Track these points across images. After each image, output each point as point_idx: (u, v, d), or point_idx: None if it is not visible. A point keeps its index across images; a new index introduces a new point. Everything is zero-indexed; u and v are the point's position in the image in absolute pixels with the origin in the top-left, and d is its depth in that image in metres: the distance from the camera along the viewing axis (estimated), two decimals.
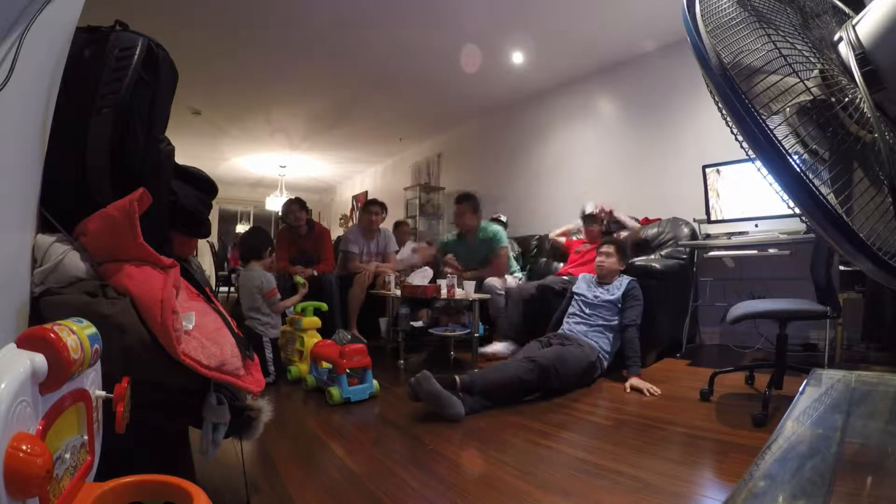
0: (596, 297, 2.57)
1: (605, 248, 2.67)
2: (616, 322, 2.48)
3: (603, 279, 2.64)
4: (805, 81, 0.57)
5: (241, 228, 9.84)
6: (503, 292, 3.17)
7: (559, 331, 2.57)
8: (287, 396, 2.20)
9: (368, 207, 3.82)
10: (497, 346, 2.97)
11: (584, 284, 2.69)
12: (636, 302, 2.50)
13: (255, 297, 2.43)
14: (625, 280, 2.60)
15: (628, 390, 2.21)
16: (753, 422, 1.64)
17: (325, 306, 2.68)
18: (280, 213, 4.16)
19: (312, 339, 2.39)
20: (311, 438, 1.65)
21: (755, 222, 2.94)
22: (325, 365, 2.22)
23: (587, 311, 2.55)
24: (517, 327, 3.03)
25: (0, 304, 0.81)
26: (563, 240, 3.81)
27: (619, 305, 2.51)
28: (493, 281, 3.21)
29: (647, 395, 2.14)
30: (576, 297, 2.65)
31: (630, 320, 2.44)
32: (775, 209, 2.70)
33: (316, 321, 2.49)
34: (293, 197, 3.88)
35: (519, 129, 5.35)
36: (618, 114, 4.37)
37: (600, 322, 2.49)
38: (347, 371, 2.07)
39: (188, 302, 1.08)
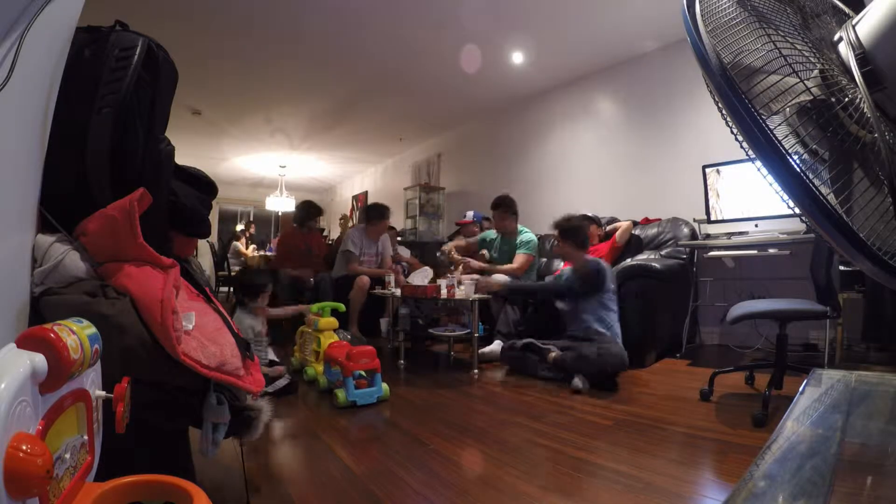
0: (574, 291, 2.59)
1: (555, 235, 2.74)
2: (604, 302, 2.51)
3: (575, 266, 2.66)
4: (805, 81, 0.57)
5: (242, 228, 9.82)
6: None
7: (568, 333, 2.57)
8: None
9: (386, 213, 3.86)
10: (492, 347, 2.96)
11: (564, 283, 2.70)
12: (590, 279, 2.53)
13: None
14: (597, 263, 2.62)
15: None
16: (753, 422, 1.64)
17: (342, 307, 2.67)
18: (294, 213, 4.32)
19: (329, 339, 2.37)
20: (312, 439, 1.65)
21: (755, 222, 2.94)
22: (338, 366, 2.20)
23: (579, 306, 2.55)
24: (515, 327, 3.03)
25: (0, 304, 0.81)
26: None
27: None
28: (499, 277, 3.22)
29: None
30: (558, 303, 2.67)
31: (568, 283, 2.52)
32: (775, 209, 2.70)
33: (333, 322, 2.47)
34: (311, 200, 4.05)
35: (519, 129, 5.35)
36: (618, 114, 4.37)
37: (595, 314, 2.50)
38: (359, 373, 2.04)
39: (188, 302, 1.08)
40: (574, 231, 2.66)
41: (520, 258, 3.39)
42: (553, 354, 2.41)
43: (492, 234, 3.73)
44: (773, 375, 1.86)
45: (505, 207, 3.48)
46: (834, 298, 1.83)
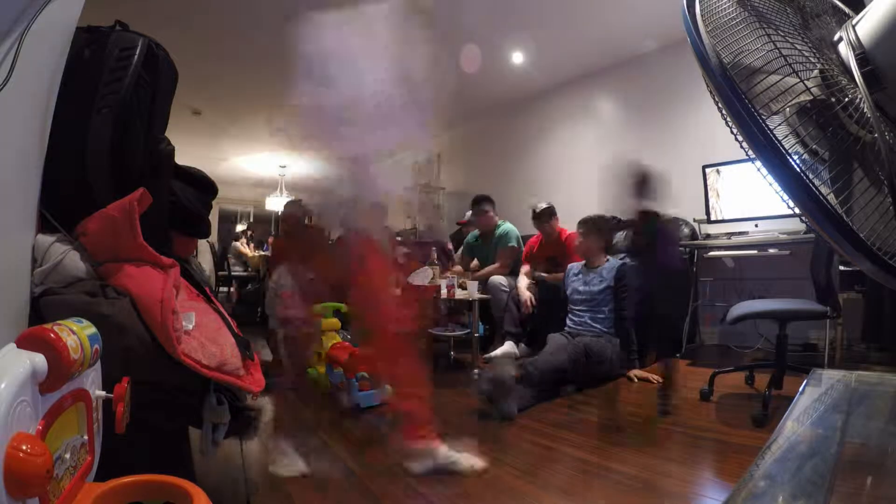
0: (589, 289, 2.58)
1: (580, 230, 2.68)
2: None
3: (590, 262, 2.66)
4: (805, 81, 0.57)
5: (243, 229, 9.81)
6: (508, 289, 3.16)
7: (567, 328, 2.58)
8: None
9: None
10: (504, 348, 2.95)
11: (574, 277, 2.70)
12: (629, 289, 2.52)
13: None
14: (614, 263, 2.61)
15: (635, 381, 2.31)
16: (753, 422, 1.64)
17: (344, 307, 2.67)
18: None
19: (331, 340, 2.36)
20: (313, 439, 1.65)
21: (755, 222, 2.94)
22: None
23: (587, 304, 2.56)
24: (522, 325, 3.03)
25: (0, 304, 0.81)
26: None
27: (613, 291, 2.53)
28: (497, 278, 3.22)
29: (654, 382, 2.28)
30: (570, 293, 2.67)
31: (625, 312, 2.48)
32: (775, 209, 2.70)
33: (335, 322, 2.46)
34: None
35: (519, 129, 5.35)
36: (618, 114, 4.37)
37: (600, 315, 2.52)
38: (363, 374, 2.03)
39: (188, 302, 1.08)
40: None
41: (500, 257, 3.42)
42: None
43: (472, 237, 3.74)
44: (772, 375, 1.86)
45: (486, 203, 3.51)
46: (834, 298, 1.83)
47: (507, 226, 3.53)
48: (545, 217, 3.30)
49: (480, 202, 3.53)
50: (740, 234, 3.01)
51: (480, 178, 5.91)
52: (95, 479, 0.70)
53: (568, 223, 3.85)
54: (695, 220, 3.32)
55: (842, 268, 2.41)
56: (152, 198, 0.99)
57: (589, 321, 2.52)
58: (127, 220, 0.94)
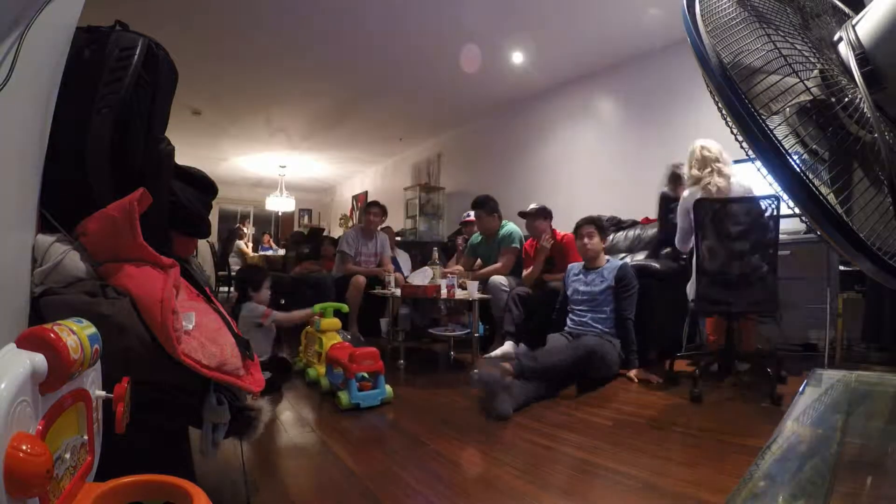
0: (590, 289, 2.58)
1: (586, 230, 2.65)
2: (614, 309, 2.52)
3: (591, 262, 2.65)
4: (805, 81, 0.57)
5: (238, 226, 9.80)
6: (508, 289, 3.16)
7: (567, 328, 2.58)
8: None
9: (368, 208, 3.89)
10: (504, 348, 2.94)
11: (575, 277, 2.69)
12: (631, 290, 2.52)
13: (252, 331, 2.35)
14: (615, 263, 2.60)
15: (636, 381, 2.31)
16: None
17: (345, 307, 2.66)
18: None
19: (331, 340, 2.35)
20: (313, 439, 1.65)
21: None
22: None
23: (587, 305, 2.56)
24: (519, 325, 3.02)
25: (0, 304, 0.81)
26: None
27: (615, 291, 2.53)
28: (497, 279, 3.21)
29: (654, 382, 2.27)
30: (571, 293, 2.66)
31: (626, 312, 2.47)
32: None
33: (336, 322, 2.45)
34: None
35: (519, 129, 5.35)
36: (618, 114, 4.37)
37: (601, 315, 2.51)
38: (363, 375, 2.03)
39: (188, 302, 1.08)
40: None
41: (503, 256, 3.40)
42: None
43: (477, 238, 3.73)
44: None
45: (484, 207, 3.48)
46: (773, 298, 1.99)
47: (510, 226, 3.52)
48: (532, 217, 3.30)
49: (480, 204, 3.52)
50: None
51: (480, 178, 5.92)
52: (95, 479, 0.70)
53: (569, 223, 3.85)
54: None
55: (842, 268, 2.42)
56: (152, 198, 0.99)
57: (590, 321, 2.52)
58: (127, 220, 0.94)
